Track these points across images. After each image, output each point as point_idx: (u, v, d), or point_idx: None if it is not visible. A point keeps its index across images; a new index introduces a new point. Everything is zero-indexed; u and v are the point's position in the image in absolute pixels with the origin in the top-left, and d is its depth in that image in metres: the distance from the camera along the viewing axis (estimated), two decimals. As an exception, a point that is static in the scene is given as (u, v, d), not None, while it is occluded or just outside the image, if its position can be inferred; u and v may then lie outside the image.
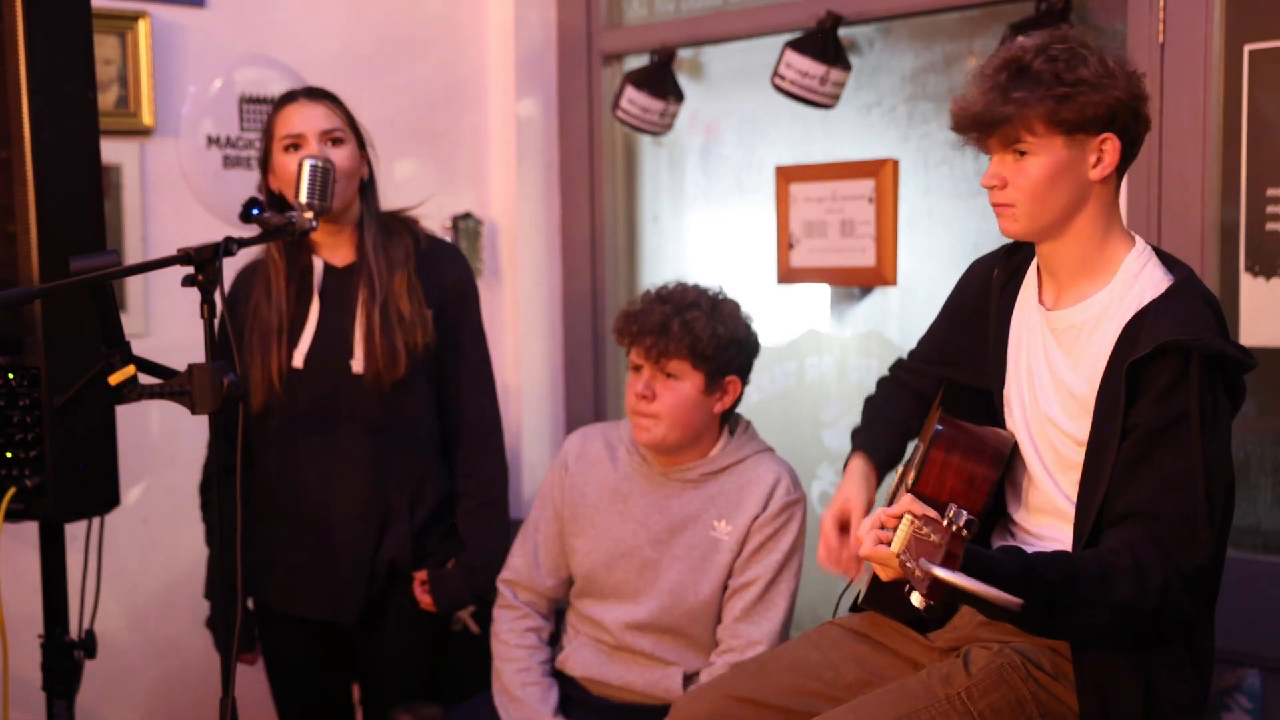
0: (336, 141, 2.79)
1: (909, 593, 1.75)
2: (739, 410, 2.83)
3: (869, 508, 2.33)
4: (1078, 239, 2.06)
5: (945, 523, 1.73)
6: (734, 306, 2.73)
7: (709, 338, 2.64)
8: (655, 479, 2.77)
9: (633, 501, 2.78)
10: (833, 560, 2.29)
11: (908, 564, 1.73)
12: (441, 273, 2.90)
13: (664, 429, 2.69)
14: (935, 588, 1.69)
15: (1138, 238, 2.10)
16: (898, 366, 2.50)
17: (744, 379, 2.75)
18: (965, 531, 1.72)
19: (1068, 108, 1.97)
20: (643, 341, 2.68)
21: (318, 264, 2.85)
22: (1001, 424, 2.24)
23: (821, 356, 3.57)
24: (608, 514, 2.80)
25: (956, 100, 2.06)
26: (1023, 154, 2.01)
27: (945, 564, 1.70)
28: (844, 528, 2.30)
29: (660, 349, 2.65)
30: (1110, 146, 2.00)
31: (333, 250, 2.86)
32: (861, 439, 2.43)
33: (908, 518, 1.76)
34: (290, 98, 2.85)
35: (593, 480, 2.83)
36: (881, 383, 2.52)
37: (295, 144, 2.77)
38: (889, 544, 1.82)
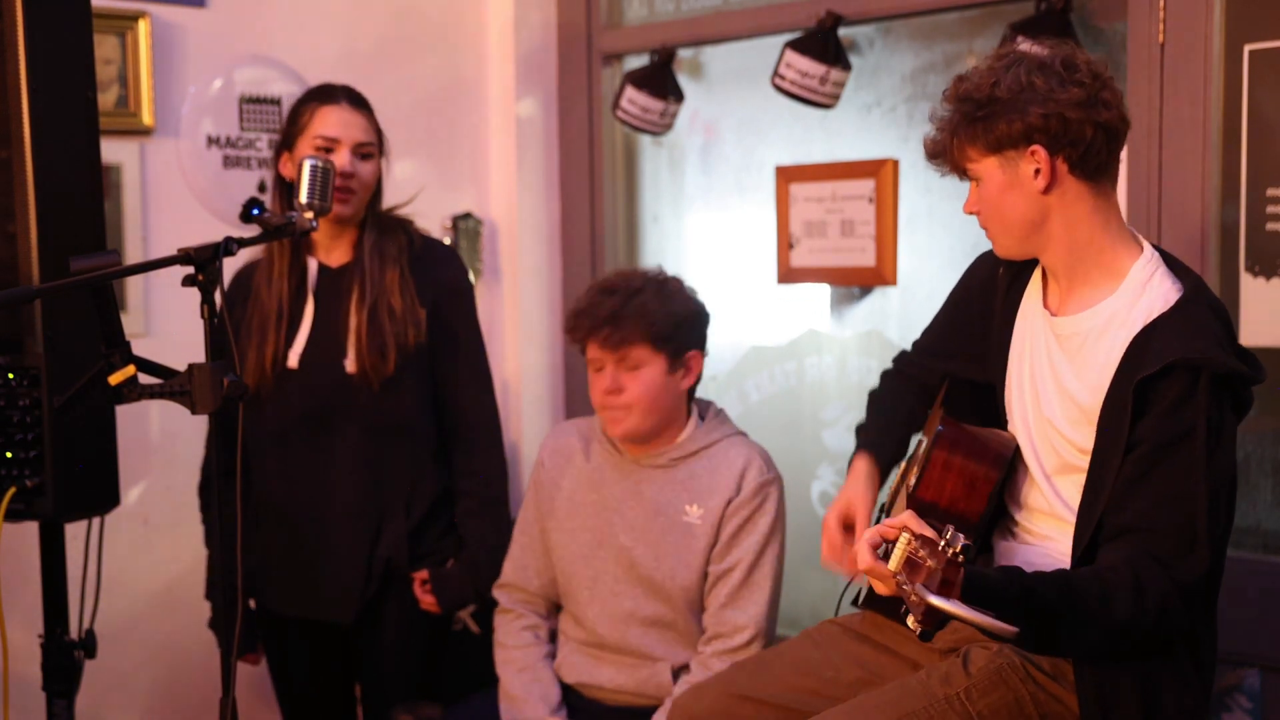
0: (366, 156, 2.80)
1: (905, 613, 1.75)
2: (720, 401, 2.85)
3: (873, 507, 2.33)
4: (1061, 245, 2.07)
5: (941, 545, 1.72)
6: (678, 283, 2.74)
7: (664, 318, 2.65)
8: (627, 467, 2.77)
9: (606, 491, 2.78)
10: (836, 559, 2.30)
11: (904, 585, 1.72)
12: (436, 272, 2.90)
13: (636, 418, 2.69)
14: (930, 615, 1.69)
15: (1146, 244, 2.09)
16: (901, 358, 2.51)
17: (703, 351, 2.76)
18: (961, 557, 1.71)
19: (984, 129, 2.02)
20: (598, 335, 2.66)
21: (312, 265, 2.85)
22: (1004, 422, 2.24)
23: (821, 356, 3.57)
24: (583, 506, 2.80)
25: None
26: (977, 179, 2.08)
27: (941, 592, 1.69)
28: (848, 527, 2.30)
29: (617, 340, 2.64)
30: (1040, 157, 2.01)
31: (329, 251, 2.87)
32: (865, 437, 2.43)
33: (905, 535, 1.76)
34: (331, 97, 2.82)
35: (568, 474, 2.84)
36: (885, 375, 2.52)
37: (329, 147, 2.77)
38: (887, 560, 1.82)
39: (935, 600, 1.66)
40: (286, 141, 2.83)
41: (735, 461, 2.72)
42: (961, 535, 1.72)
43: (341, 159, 2.76)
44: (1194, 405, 1.91)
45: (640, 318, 2.64)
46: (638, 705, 2.74)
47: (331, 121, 2.78)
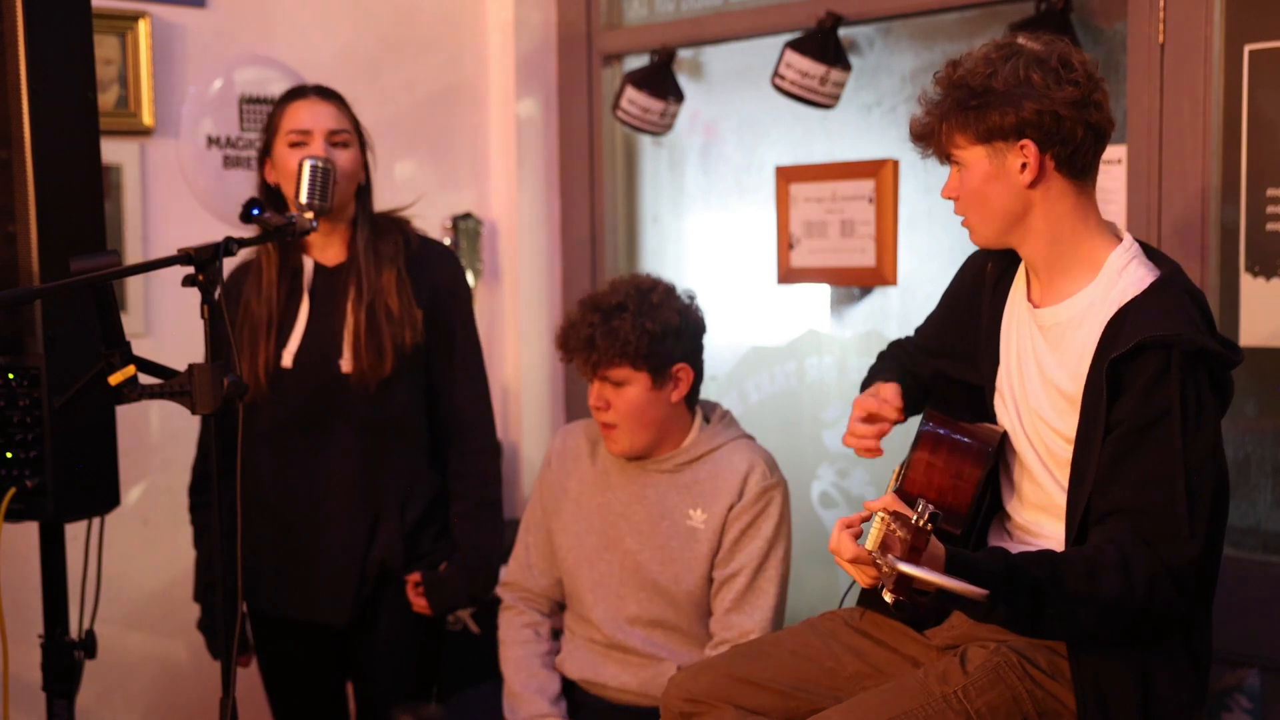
0: (342, 144, 2.80)
1: (883, 590, 1.77)
2: (720, 401, 2.85)
3: (902, 399, 2.30)
4: (1041, 238, 2.08)
5: (914, 519, 1.75)
6: (665, 296, 2.73)
7: (639, 338, 2.65)
8: (632, 471, 2.78)
9: (612, 494, 2.79)
10: (856, 438, 2.26)
11: (877, 560, 1.74)
12: (432, 272, 2.90)
13: (627, 436, 2.71)
14: (901, 583, 1.71)
15: (1125, 235, 2.11)
16: (898, 346, 2.50)
17: (693, 362, 2.75)
18: (929, 525, 1.74)
19: (976, 118, 2.03)
20: (578, 358, 2.71)
21: (308, 263, 2.85)
22: (991, 420, 2.24)
23: (821, 356, 3.57)
24: (589, 508, 2.81)
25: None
26: (960, 166, 2.09)
27: (909, 558, 1.72)
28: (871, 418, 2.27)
29: (595, 361, 2.68)
30: (1030, 152, 2.01)
31: (323, 250, 2.86)
32: (878, 373, 2.41)
33: (879, 515, 1.77)
34: (300, 93, 2.84)
35: (574, 476, 2.85)
36: (883, 355, 2.52)
37: (302, 141, 2.77)
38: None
39: (903, 566, 1.69)
40: (265, 148, 2.84)
41: (738, 466, 2.72)
42: (931, 506, 1.75)
43: (316, 149, 2.76)
44: (1168, 385, 1.92)
45: (615, 339, 2.65)
46: (642, 705, 2.74)
47: (301, 115, 2.79)
